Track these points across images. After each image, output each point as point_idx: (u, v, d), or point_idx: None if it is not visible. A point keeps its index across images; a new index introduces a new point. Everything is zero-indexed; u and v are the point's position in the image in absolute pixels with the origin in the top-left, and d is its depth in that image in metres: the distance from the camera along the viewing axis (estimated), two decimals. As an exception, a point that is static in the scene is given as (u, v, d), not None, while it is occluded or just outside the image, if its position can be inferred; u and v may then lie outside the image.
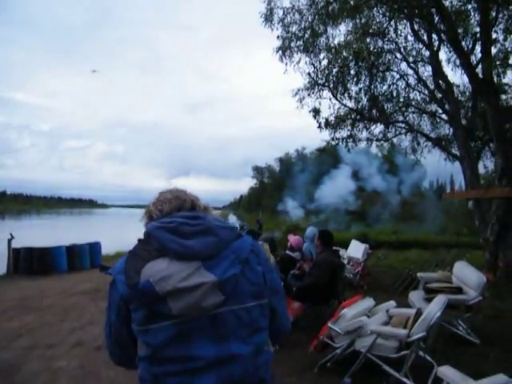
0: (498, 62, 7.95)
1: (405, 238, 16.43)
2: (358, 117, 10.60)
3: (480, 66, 7.88)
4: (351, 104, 10.50)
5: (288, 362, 3.77)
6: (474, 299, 4.30)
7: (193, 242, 1.05)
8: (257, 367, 1.07)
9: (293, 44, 9.79)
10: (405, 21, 9.22)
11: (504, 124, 7.71)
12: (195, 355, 1.01)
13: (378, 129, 10.98)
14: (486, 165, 10.74)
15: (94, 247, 11.00)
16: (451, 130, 9.93)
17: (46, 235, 21.72)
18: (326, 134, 10.98)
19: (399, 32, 9.70)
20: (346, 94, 10.27)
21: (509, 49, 8.13)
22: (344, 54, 9.43)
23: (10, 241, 9.95)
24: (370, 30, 9.36)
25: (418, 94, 10.72)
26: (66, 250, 10.20)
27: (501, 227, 7.49)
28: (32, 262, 9.63)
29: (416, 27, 9.19)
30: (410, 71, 10.26)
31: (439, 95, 9.76)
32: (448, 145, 10.64)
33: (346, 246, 8.59)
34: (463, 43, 8.31)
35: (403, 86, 10.51)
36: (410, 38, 9.79)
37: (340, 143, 10.86)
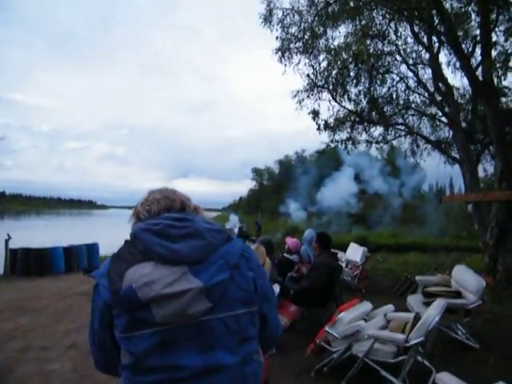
0: (498, 65, 7.92)
1: (404, 241, 16.37)
2: (358, 119, 10.56)
3: (480, 69, 7.86)
4: (351, 106, 10.48)
5: (284, 366, 3.73)
6: (474, 303, 4.26)
7: (179, 246, 0.99)
8: (244, 378, 1.02)
9: (292, 45, 9.78)
10: (405, 23, 9.20)
11: (504, 127, 7.67)
12: (180, 365, 0.96)
13: (377, 131, 10.96)
14: (486, 168, 10.71)
15: (92, 248, 10.94)
16: (451, 132, 9.89)
17: (44, 236, 21.65)
18: (325, 136, 10.95)
19: (399, 34, 9.70)
20: (345, 96, 10.24)
21: (509, 50, 8.10)
22: (344, 55, 9.40)
23: (7, 241, 9.90)
24: (370, 32, 9.34)
25: (417, 96, 10.70)
26: (64, 251, 10.13)
27: (500, 231, 7.45)
28: (29, 263, 9.56)
29: (416, 29, 9.18)
30: (410, 74, 10.24)
31: (439, 98, 9.73)
32: (448, 148, 10.60)
33: (345, 248, 8.55)
34: (463, 46, 8.29)
35: (403, 89, 10.49)
36: (409, 40, 9.80)
37: (339, 145, 10.83)
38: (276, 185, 46.30)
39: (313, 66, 9.99)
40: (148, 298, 0.93)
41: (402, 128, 10.88)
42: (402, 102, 10.57)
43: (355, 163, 21.94)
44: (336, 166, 24.97)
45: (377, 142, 11.11)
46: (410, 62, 10.05)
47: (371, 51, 9.66)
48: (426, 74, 10.24)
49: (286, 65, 10.04)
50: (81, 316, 5.77)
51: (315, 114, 10.39)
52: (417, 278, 5.61)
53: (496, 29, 7.59)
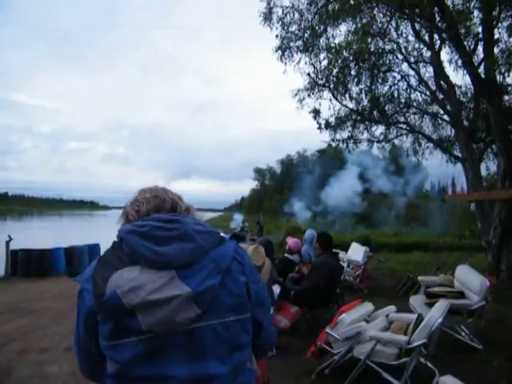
0: (500, 62, 7.84)
1: (406, 241, 16.31)
2: (359, 118, 10.49)
3: (482, 66, 7.78)
4: (352, 105, 10.40)
5: (284, 369, 3.69)
6: (477, 304, 4.19)
7: (167, 249, 0.94)
8: None
9: (292, 44, 9.71)
10: (406, 20, 9.12)
11: (507, 125, 7.60)
12: (168, 375, 0.91)
13: (378, 130, 10.89)
14: (489, 167, 10.61)
15: (93, 249, 10.92)
16: (453, 131, 9.81)
17: (47, 237, 21.70)
18: (326, 136, 10.90)
19: (400, 32, 9.61)
20: (346, 95, 10.16)
21: (513, 46, 8.00)
22: (344, 54, 9.33)
23: (8, 242, 9.89)
24: (371, 30, 9.27)
25: (419, 94, 10.60)
26: (65, 252, 10.12)
27: (504, 230, 7.38)
28: (30, 264, 9.55)
29: (417, 27, 9.08)
30: (412, 72, 10.14)
31: (441, 96, 9.65)
32: (450, 146, 10.52)
33: (348, 248, 8.50)
34: (465, 43, 8.21)
35: (404, 87, 10.38)
36: (411, 38, 9.69)
37: (340, 144, 10.77)
38: (278, 185, 46.32)
39: (313, 65, 9.93)
40: (133, 305, 0.88)
41: (404, 127, 10.80)
42: (403, 100, 10.48)
43: (359, 162, 21.89)
44: (340, 165, 24.91)
45: (378, 141, 11.03)
46: (412, 60, 9.97)
47: (372, 49, 9.59)
48: (428, 72, 10.17)
49: (286, 63, 9.99)
50: (81, 317, 5.75)
51: (316, 113, 10.34)
52: (419, 279, 5.55)
53: (499, 24, 7.51)
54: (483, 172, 9.66)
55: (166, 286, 0.91)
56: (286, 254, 6.03)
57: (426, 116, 10.84)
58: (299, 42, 9.66)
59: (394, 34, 9.66)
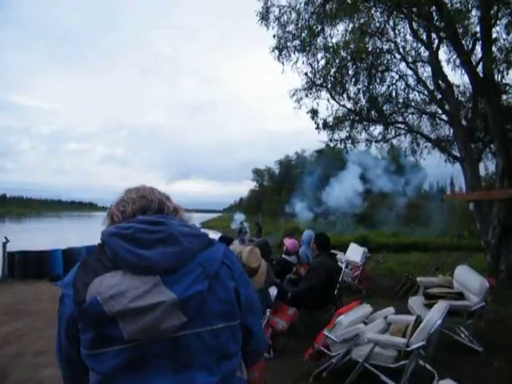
0: (498, 61, 7.82)
1: (404, 241, 16.30)
2: (357, 118, 10.46)
3: (480, 66, 7.75)
4: (350, 105, 10.38)
5: (281, 371, 3.64)
6: (477, 305, 4.15)
7: (151, 253, 0.89)
8: None
9: (289, 43, 9.68)
10: (403, 20, 9.10)
11: (505, 124, 7.58)
12: None
13: (377, 130, 10.86)
14: (487, 166, 10.59)
15: (91, 250, 10.79)
16: (451, 130, 9.79)
17: (45, 238, 21.61)
18: (324, 136, 10.86)
19: (398, 31, 9.59)
20: (344, 95, 10.13)
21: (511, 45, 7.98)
22: (342, 53, 9.30)
23: (4, 244, 9.83)
24: (369, 30, 9.24)
25: (417, 94, 10.59)
26: (62, 254, 10.05)
27: (503, 230, 7.35)
28: (27, 266, 9.50)
29: (415, 26, 9.06)
30: (410, 71, 10.13)
31: (439, 96, 9.62)
32: (448, 146, 10.50)
33: (346, 249, 8.46)
34: (463, 42, 8.18)
35: (402, 87, 10.37)
36: (409, 37, 9.67)
37: (338, 144, 10.74)
38: (276, 185, 46.21)
39: (311, 65, 9.91)
40: (114, 312, 0.84)
41: (402, 126, 10.78)
42: (401, 100, 10.47)
43: (359, 162, 21.82)
44: (340, 165, 24.83)
45: (376, 141, 11.00)
46: (410, 59, 9.95)
47: (370, 49, 9.57)
48: (426, 71, 10.14)
49: (283, 63, 9.96)
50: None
51: (314, 113, 10.30)
52: (418, 279, 5.51)
53: (498, 21, 7.49)
54: (482, 172, 9.65)
55: (150, 292, 0.86)
56: (283, 255, 5.99)
57: (424, 116, 10.82)
58: (296, 42, 9.63)
59: (392, 34, 9.65)
